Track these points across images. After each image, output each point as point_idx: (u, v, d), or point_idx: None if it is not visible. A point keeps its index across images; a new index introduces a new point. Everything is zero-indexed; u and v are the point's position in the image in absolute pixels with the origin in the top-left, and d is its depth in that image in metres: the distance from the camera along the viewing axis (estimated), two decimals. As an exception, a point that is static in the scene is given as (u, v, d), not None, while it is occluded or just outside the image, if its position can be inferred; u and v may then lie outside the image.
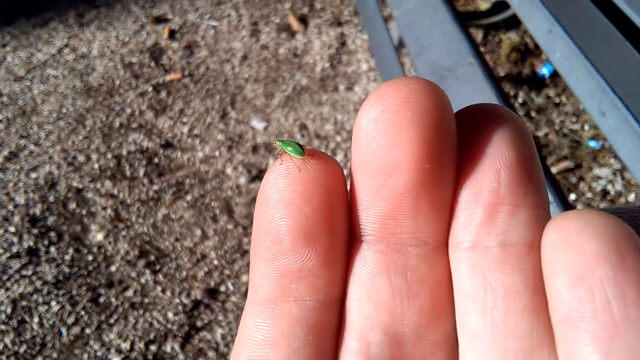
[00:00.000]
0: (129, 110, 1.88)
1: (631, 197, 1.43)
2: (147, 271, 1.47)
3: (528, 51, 1.82)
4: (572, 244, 0.15)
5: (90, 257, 1.50)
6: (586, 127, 1.60)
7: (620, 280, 0.14)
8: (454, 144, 0.17)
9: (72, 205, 1.62)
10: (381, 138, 0.17)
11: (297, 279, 0.18)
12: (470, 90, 0.59)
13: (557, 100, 1.69)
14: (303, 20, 2.14)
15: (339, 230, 0.19)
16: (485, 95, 0.59)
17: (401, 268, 0.18)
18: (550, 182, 0.55)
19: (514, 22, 1.88)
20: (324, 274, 0.18)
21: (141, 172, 1.69)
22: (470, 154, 0.18)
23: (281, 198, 0.18)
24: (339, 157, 1.67)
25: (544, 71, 1.74)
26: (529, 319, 0.16)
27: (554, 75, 1.73)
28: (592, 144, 1.55)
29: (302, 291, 0.18)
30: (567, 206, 0.53)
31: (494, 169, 0.17)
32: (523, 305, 0.16)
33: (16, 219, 1.59)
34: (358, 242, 0.19)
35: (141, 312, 1.40)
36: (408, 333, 0.18)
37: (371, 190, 0.18)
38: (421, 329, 0.18)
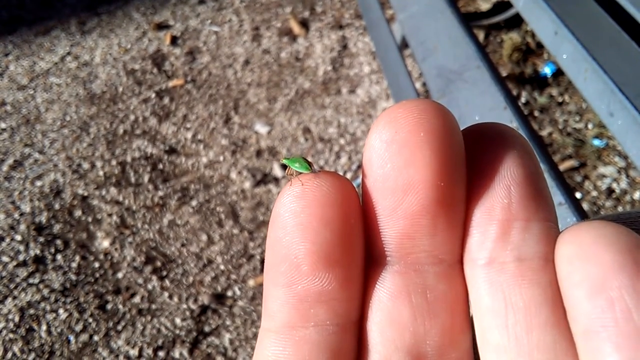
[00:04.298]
0: (132, 117, 1.89)
1: (636, 194, 1.43)
2: (154, 277, 1.47)
3: (530, 51, 1.82)
4: (589, 256, 0.15)
5: (96, 264, 1.51)
6: (590, 126, 1.60)
7: (638, 289, 0.14)
8: (463, 161, 0.18)
9: (78, 213, 1.62)
10: (396, 159, 0.17)
11: (317, 304, 0.18)
12: (479, 93, 0.60)
13: (560, 99, 1.69)
14: (304, 24, 2.15)
15: (356, 252, 0.18)
16: (493, 97, 0.59)
17: (420, 287, 0.18)
18: (560, 183, 0.55)
19: (515, 22, 1.88)
20: (343, 297, 0.18)
21: (146, 178, 1.70)
22: (479, 172, 0.18)
23: (298, 222, 0.18)
24: (343, 160, 1.67)
25: (546, 70, 1.75)
26: (551, 331, 0.16)
27: (557, 74, 1.74)
28: (596, 142, 1.55)
29: (322, 315, 0.18)
30: (578, 207, 0.54)
31: (504, 186, 0.17)
32: (545, 319, 0.16)
33: (22, 227, 1.60)
34: (374, 263, 0.19)
35: (149, 318, 1.40)
36: (431, 353, 0.18)
37: (387, 210, 0.18)
38: (443, 347, 0.18)
